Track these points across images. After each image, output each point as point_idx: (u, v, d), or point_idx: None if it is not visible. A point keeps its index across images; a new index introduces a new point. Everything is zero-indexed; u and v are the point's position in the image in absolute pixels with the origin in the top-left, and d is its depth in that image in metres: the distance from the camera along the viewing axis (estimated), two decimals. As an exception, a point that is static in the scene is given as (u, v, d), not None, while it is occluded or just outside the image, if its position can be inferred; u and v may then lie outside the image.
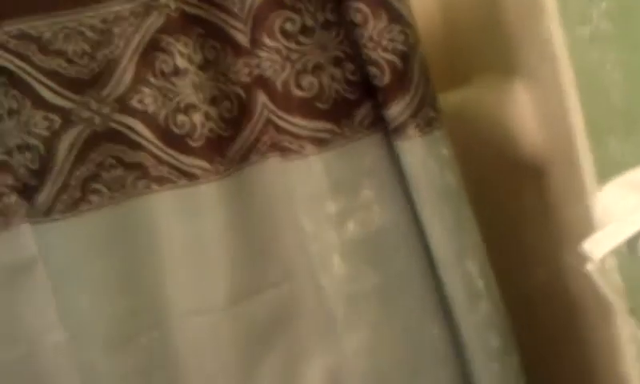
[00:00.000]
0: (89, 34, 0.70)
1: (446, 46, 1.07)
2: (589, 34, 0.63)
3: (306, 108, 0.69)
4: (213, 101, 0.70)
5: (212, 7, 0.70)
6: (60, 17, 0.70)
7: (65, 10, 0.70)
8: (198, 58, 0.69)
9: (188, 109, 0.70)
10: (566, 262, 0.83)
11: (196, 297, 0.73)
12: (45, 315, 0.73)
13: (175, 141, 0.71)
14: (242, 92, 0.72)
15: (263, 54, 0.68)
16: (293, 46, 0.68)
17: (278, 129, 0.70)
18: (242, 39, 0.70)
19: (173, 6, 0.68)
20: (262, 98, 0.71)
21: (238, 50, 0.71)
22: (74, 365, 0.73)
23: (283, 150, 0.71)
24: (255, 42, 0.69)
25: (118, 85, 0.71)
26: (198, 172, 0.71)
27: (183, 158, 0.71)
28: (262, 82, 0.70)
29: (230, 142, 0.71)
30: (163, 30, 0.69)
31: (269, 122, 0.71)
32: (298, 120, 0.69)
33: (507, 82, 0.91)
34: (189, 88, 0.70)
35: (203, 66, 0.70)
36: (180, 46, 0.69)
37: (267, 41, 0.68)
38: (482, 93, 0.92)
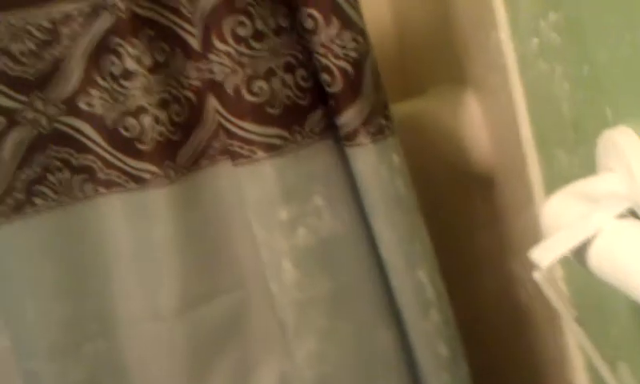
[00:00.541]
0: (36, 33, 0.69)
1: (398, 55, 1.08)
2: (537, 46, 0.64)
3: (257, 113, 0.68)
4: (163, 104, 0.69)
5: (163, 9, 0.69)
6: (6, 15, 0.68)
7: (12, 8, 0.68)
8: (147, 60, 0.68)
9: (137, 112, 0.69)
10: (516, 270, 0.84)
11: (145, 304, 0.71)
12: None
13: (124, 144, 0.70)
14: (192, 96, 0.71)
15: (214, 57, 0.68)
16: (244, 50, 0.67)
17: (229, 134, 0.69)
18: (194, 42, 0.69)
19: (122, 7, 0.67)
20: (212, 102, 0.70)
21: (189, 53, 0.70)
22: (17, 372, 0.71)
23: (234, 156, 0.70)
24: (206, 46, 0.68)
25: (65, 86, 0.70)
26: (147, 176, 0.70)
27: (132, 161, 0.70)
28: (213, 86, 0.69)
29: (180, 147, 0.70)
30: (112, 31, 0.68)
31: (220, 126, 0.70)
32: (248, 125, 0.68)
33: (458, 92, 0.92)
34: (138, 91, 0.69)
35: (153, 69, 0.69)
36: (129, 48, 0.68)
37: (218, 44, 0.67)
38: (433, 103, 0.93)
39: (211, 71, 0.68)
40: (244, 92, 0.68)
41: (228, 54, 0.67)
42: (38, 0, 0.68)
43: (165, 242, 0.71)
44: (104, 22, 0.68)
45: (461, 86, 0.92)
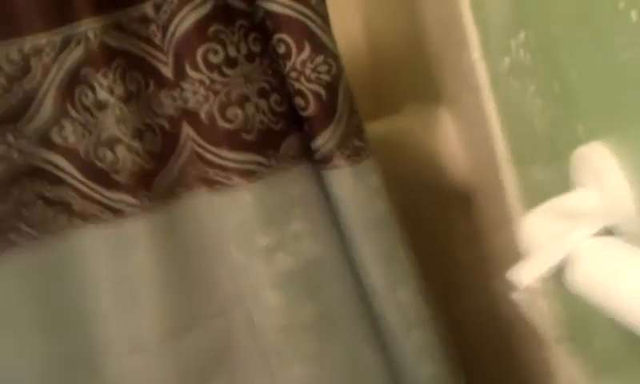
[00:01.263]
0: (6, 66, 0.68)
1: (371, 75, 1.08)
2: (509, 64, 0.64)
3: (232, 140, 0.68)
4: (136, 133, 0.69)
5: (135, 39, 0.69)
6: None
7: None
8: (119, 89, 0.68)
9: (110, 142, 0.68)
10: (498, 286, 0.84)
11: (128, 337, 0.70)
12: None
13: (98, 175, 0.69)
14: (166, 124, 0.70)
15: (187, 85, 0.67)
16: (216, 77, 0.67)
17: (205, 161, 0.69)
18: (166, 71, 0.69)
19: (92, 36, 0.67)
20: (186, 130, 0.70)
21: (161, 81, 0.70)
22: None
23: (210, 183, 0.70)
24: (178, 74, 0.68)
25: (36, 118, 0.69)
26: (123, 207, 0.69)
27: (107, 192, 0.70)
28: (187, 114, 0.69)
29: (155, 176, 0.70)
30: (83, 61, 0.68)
31: (194, 154, 0.70)
32: (224, 152, 0.68)
33: (432, 110, 0.92)
34: (110, 120, 0.68)
35: (125, 98, 0.68)
36: (101, 78, 0.67)
37: (191, 72, 0.67)
38: (408, 121, 0.93)
39: (184, 99, 0.68)
40: (218, 119, 0.67)
41: (201, 82, 0.67)
42: (8, 33, 0.68)
43: (144, 273, 0.70)
44: (75, 53, 0.68)
45: (434, 104, 0.92)
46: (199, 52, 0.66)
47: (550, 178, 0.63)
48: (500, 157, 0.73)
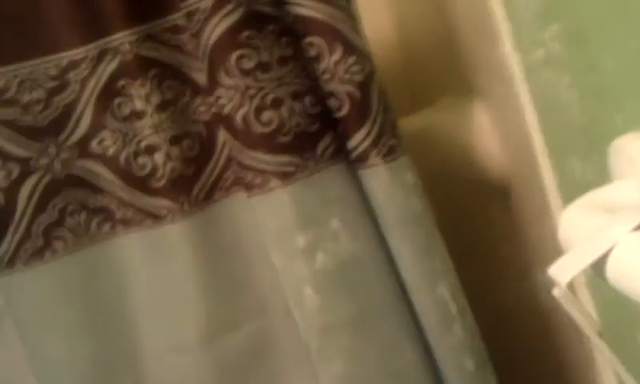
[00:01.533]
0: (43, 80, 0.70)
1: (404, 71, 1.08)
2: (543, 56, 0.63)
3: (268, 142, 0.69)
4: (174, 140, 0.70)
5: (166, 48, 0.70)
6: (16, 67, 0.69)
7: (21, 60, 0.69)
8: (156, 98, 0.69)
9: (149, 149, 0.70)
10: (538, 278, 0.83)
11: (168, 337, 0.72)
12: (17, 366, 0.72)
13: (138, 182, 0.71)
14: (203, 130, 0.71)
15: (222, 91, 0.68)
16: (250, 82, 0.68)
17: (241, 165, 0.70)
18: (200, 78, 0.70)
19: (127, 49, 0.68)
20: (223, 135, 0.71)
21: (196, 89, 0.71)
22: None
23: (248, 186, 0.70)
24: (213, 81, 0.68)
25: (76, 129, 0.71)
26: (163, 212, 0.71)
27: (147, 199, 0.71)
28: (223, 119, 0.69)
29: (194, 181, 0.71)
30: (118, 72, 0.69)
31: (231, 158, 0.71)
32: (260, 155, 0.69)
33: (467, 104, 0.92)
34: (148, 129, 0.69)
35: (162, 106, 0.69)
36: (137, 88, 0.69)
37: (225, 79, 0.68)
38: (442, 116, 0.92)
39: (219, 105, 0.69)
40: (253, 122, 0.68)
41: (235, 87, 0.68)
42: (47, 50, 0.70)
43: (184, 276, 0.71)
44: (111, 65, 0.69)
45: (468, 98, 0.92)
46: (233, 58, 0.67)
47: (588, 170, 0.62)
48: (536, 149, 0.73)
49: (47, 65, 0.70)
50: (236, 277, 0.72)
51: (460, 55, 0.90)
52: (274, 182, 0.69)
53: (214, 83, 0.68)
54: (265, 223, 0.71)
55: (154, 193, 0.71)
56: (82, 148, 0.71)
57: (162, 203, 0.70)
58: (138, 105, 0.69)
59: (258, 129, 0.68)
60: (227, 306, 0.72)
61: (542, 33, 0.61)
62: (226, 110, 0.68)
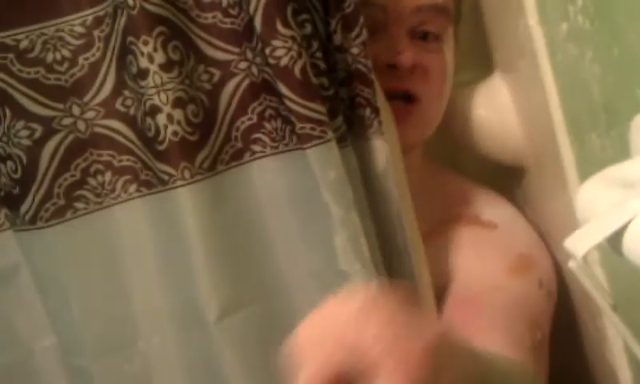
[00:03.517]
0: (70, 40, 0.69)
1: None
2: (566, 30, 0.63)
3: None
4: (177, 103, 0.67)
5: (173, 7, 0.68)
6: (40, 26, 0.68)
7: (47, 19, 0.68)
8: (160, 57, 0.66)
9: (153, 111, 0.67)
10: (554, 255, 0.84)
11: (191, 307, 0.69)
12: (35, 321, 0.72)
13: (149, 144, 0.69)
14: (205, 99, 0.69)
15: (279, 43, 0.66)
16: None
17: (299, 116, 0.67)
18: (204, 47, 0.68)
19: (131, 2, 0.66)
20: (224, 103, 0.69)
21: (200, 57, 0.69)
22: (64, 369, 0.72)
23: (304, 139, 0.67)
24: (270, 31, 0.66)
25: (101, 89, 0.69)
26: (165, 178, 0.68)
27: (156, 162, 0.69)
28: (279, 72, 0.67)
29: (198, 148, 0.68)
30: (126, 28, 0.67)
31: (238, 128, 0.69)
32: (319, 106, 0.67)
33: (489, 78, 0.91)
34: (151, 89, 0.67)
35: (166, 66, 0.67)
36: (141, 46, 0.66)
37: (282, 29, 0.66)
38: (463, 89, 0.92)
39: (275, 57, 0.66)
40: (311, 75, 0.66)
41: (293, 39, 0.66)
42: (72, 7, 0.69)
43: (189, 246, 0.69)
44: (122, 21, 0.67)
45: (490, 71, 0.91)
46: (289, 11, 0.66)
47: (608, 144, 0.62)
48: (557, 124, 0.72)
49: (74, 22, 0.69)
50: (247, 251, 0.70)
51: (484, 28, 0.90)
52: (331, 134, 0.67)
53: (271, 35, 0.66)
54: (323, 175, 0.68)
55: (157, 156, 0.68)
56: (107, 107, 0.69)
57: (164, 168, 0.68)
58: (142, 63, 0.67)
59: (315, 81, 0.67)
60: (244, 279, 0.69)
61: (567, 6, 0.61)
62: (284, 62, 0.66)
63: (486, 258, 0.80)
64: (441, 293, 0.77)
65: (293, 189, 0.70)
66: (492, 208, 0.87)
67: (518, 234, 0.85)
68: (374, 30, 0.80)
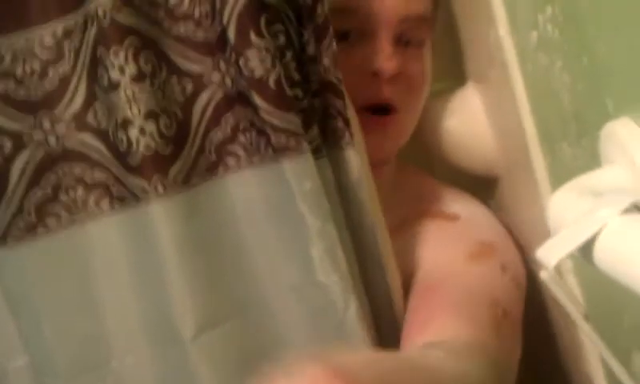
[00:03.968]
0: (38, 51, 0.68)
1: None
2: (536, 39, 0.64)
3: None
4: (150, 115, 0.66)
5: (145, 19, 0.67)
6: (9, 37, 0.68)
7: (15, 30, 0.67)
8: (131, 69, 0.66)
9: (124, 124, 0.66)
10: (527, 264, 0.84)
11: (167, 324, 0.68)
12: (8, 340, 0.70)
13: (121, 158, 0.68)
14: (178, 111, 0.68)
15: (252, 53, 0.66)
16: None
17: (274, 128, 0.67)
18: (176, 60, 0.68)
19: (102, 14, 0.65)
20: (197, 117, 0.68)
21: (172, 68, 0.68)
22: None
23: (278, 149, 0.67)
24: (243, 42, 0.66)
25: (73, 102, 0.68)
26: (139, 192, 0.67)
27: (129, 177, 0.68)
28: (253, 83, 0.66)
29: (171, 161, 0.67)
30: (97, 40, 0.66)
31: (209, 141, 0.69)
32: (294, 118, 0.67)
33: (461, 88, 0.92)
34: (122, 102, 0.66)
35: (137, 78, 0.66)
36: (112, 57, 0.66)
37: (255, 39, 0.65)
38: (435, 99, 0.92)
39: (249, 68, 0.66)
40: (285, 86, 0.66)
41: (267, 49, 0.66)
42: (41, 18, 0.67)
43: (164, 262, 0.68)
44: (92, 32, 0.67)
45: (463, 82, 0.92)
46: (262, 20, 0.65)
47: (579, 154, 0.63)
48: (528, 133, 0.73)
49: (42, 33, 0.67)
50: (221, 259, 0.69)
51: (455, 38, 0.90)
52: (306, 146, 0.67)
53: (244, 45, 0.66)
54: (298, 187, 0.67)
55: (130, 170, 0.67)
56: (79, 121, 0.68)
57: (137, 182, 0.67)
58: (113, 75, 0.66)
59: (289, 92, 0.66)
60: (220, 291, 0.68)
61: (537, 15, 0.61)
62: (258, 73, 0.66)
63: (447, 246, 0.81)
64: (408, 283, 0.77)
65: (268, 201, 0.69)
66: (456, 202, 0.88)
67: (480, 224, 0.85)
68: (361, 38, 0.80)
